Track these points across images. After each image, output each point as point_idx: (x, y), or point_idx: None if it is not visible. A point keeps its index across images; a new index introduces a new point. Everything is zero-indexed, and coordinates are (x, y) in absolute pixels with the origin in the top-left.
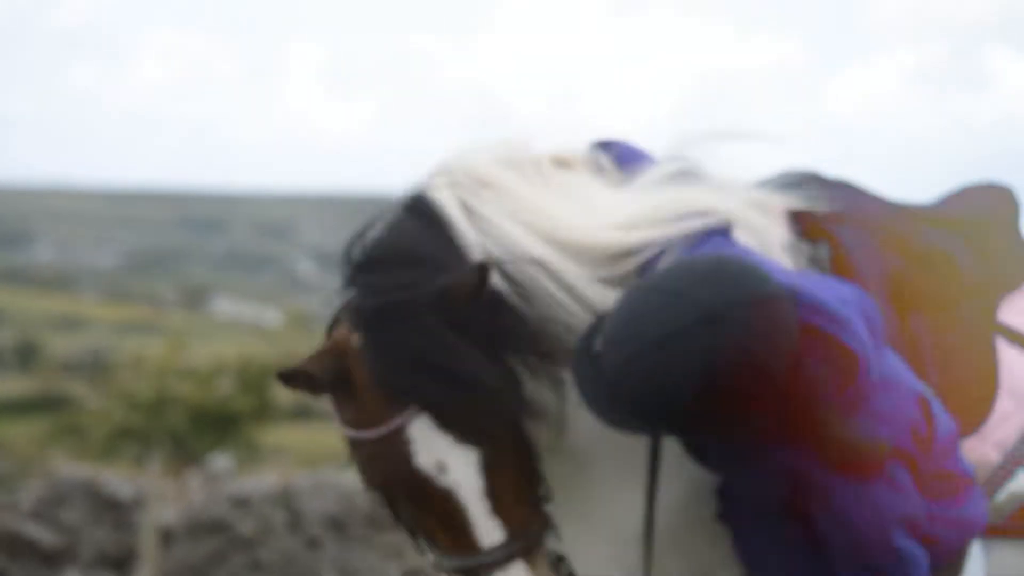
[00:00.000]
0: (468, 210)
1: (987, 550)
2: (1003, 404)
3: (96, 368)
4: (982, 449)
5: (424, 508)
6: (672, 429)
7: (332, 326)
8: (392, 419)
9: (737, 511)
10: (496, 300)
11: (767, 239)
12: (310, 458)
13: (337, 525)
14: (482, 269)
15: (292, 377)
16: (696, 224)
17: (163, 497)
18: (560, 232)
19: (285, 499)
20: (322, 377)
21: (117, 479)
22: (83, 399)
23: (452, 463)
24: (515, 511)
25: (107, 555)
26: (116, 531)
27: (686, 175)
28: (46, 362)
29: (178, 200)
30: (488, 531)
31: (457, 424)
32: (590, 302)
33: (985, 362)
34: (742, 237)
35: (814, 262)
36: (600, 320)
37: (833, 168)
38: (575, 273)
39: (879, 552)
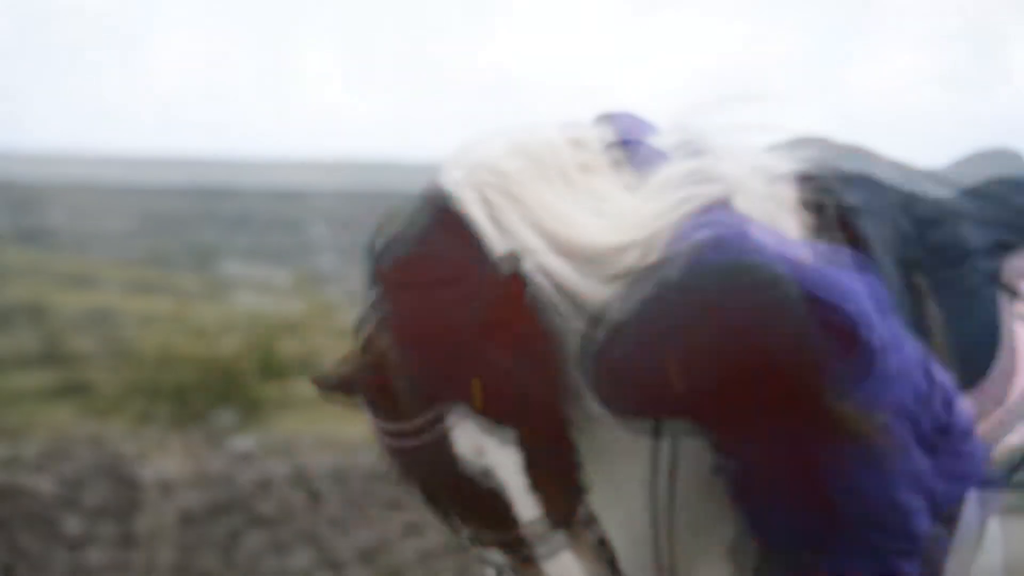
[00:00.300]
0: (494, 217)
1: (985, 502)
2: (1004, 361)
3: (104, 327)
4: (982, 404)
5: (463, 490)
6: (676, 417)
7: (362, 324)
8: (427, 411)
9: (741, 479)
10: (526, 295)
11: (771, 205)
12: (314, 413)
13: (339, 478)
14: (515, 260)
15: (326, 381)
16: (697, 196)
17: (166, 450)
18: (573, 242)
19: (287, 452)
20: (355, 378)
21: (120, 433)
22: (89, 356)
23: (490, 445)
24: (552, 483)
25: (108, 508)
26: (117, 484)
27: (689, 147)
28: (54, 320)
29: (191, 166)
30: (529, 506)
31: (494, 411)
32: (593, 307)
33: (987, 320)
34: (746, 205)
35: (821, 225)
36: (603, 313)
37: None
38: (581, 284)
39: (884, 510)
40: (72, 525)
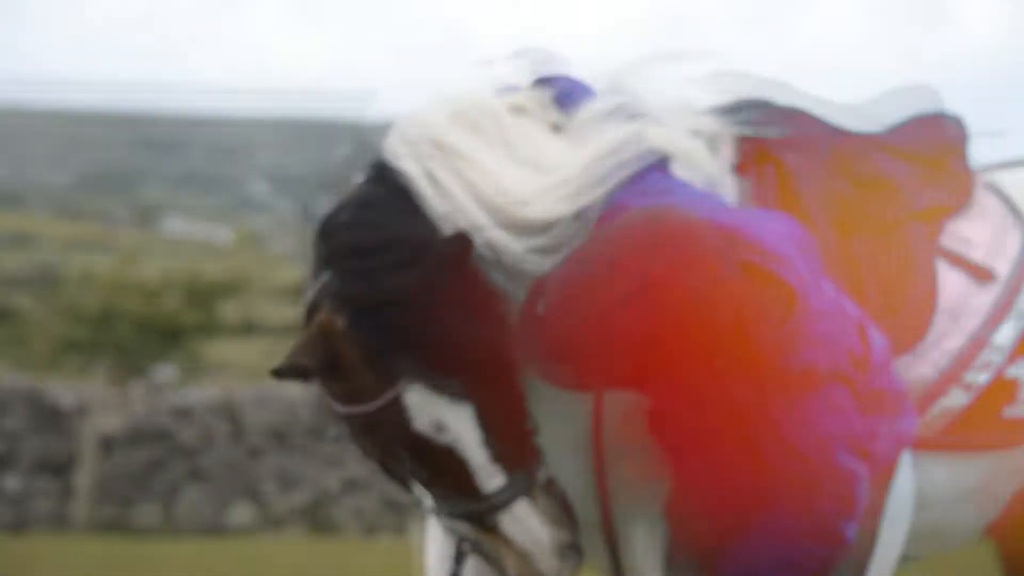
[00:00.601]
0: (434, 182)
1: (919, 463)
2: (941, 324)
3: (45, 283)
4: (918, 367)
5: (425, 464)
6: (620, 385)
7: (312, 310)
8: (386, 392)
9: (674, 440)
10: (474, 268)
11: (710, 168)
12: (254, 372)
13: (279, 435)
14: (463, 240)
15: (285, 371)
16: (634, 161)
17: (105, 406)
18: (509, 208)
19: (228, 410)
20: (313, 364)
21: (59, 387)
22: (29, 312)
23: (450, 421)
24: (512, 452)
25: (47, 462)
26: (57, 438)
27: (625, 110)
28: None
29: (133, 122)
30: (489, 476)
31: (450, 387)
32: (528, 274)
33: (924, 284)
34: (683, 168)
35: (759, 188)
36: (542, 283)
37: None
38: (514, 247)
39: (823, 473)
40: (11, 482)
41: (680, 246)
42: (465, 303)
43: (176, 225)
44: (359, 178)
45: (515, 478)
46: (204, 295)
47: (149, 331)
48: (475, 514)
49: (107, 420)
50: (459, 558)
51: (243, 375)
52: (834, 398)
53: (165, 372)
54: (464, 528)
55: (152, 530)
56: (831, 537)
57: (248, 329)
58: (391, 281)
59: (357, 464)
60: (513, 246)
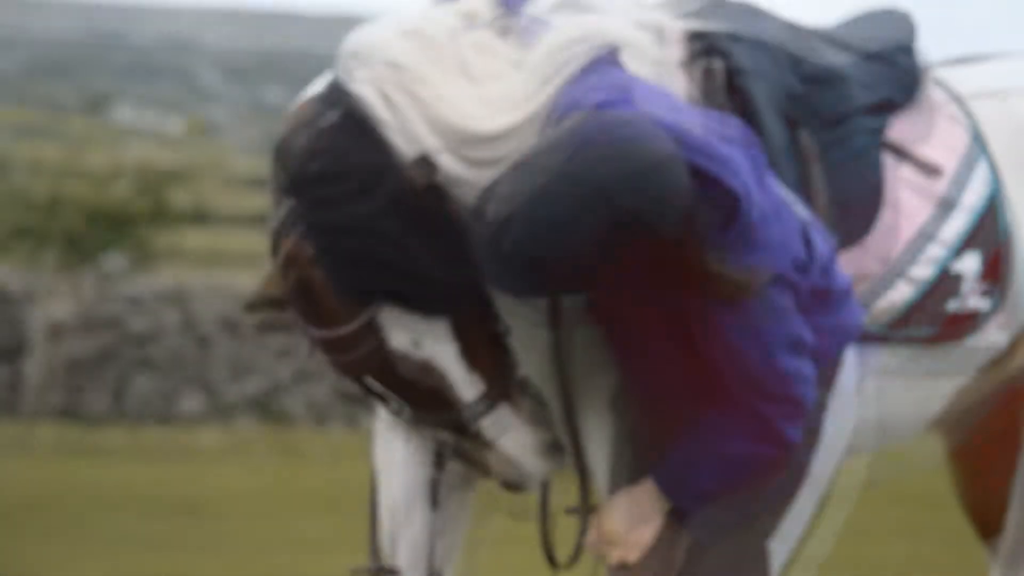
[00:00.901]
0: (391, 105)
1: (863, 357)
2: (887, 218)
3: None
4: (863, 260)
5: (403, 381)
6: (570, 291)
7: (278, 237)
8: (359, 315)
9: (621, 339)
10: (439, 190)
11: (658, 61)
12: (205, 261)
13: (229, 325)
14: (425, 164)
15: (258, 305)
16: (582, 54)
17: (55, 294)
18: (460, 125)
19: (178, 299)
20: (285, 293)
21: (8, 273)
22: None
23: (426, 337)
24: (487, 359)
25: None
26: (6, 326)
27: (572, 4)
28: None
29: (83, 10)
30: (469, 386)
31: (424, 305)
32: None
33: (871, 177)
34: (632, 61)
35: (707, 84)
36: (492, 188)
37: None
38: (480, 179)
39: (768, 378)
40: None
41: (630, 158)
42: (432, 226)
43: (126, 114)
44: (314, 99)
45: (493, 383)
46: (154, 184)
47: (99, 219)
48: (458, 424)
49: (57, 308)
50: (439, 463)
51: (194, 264)
52: (776, 301)
53: (115, 260)
54: (445, 435)
55: (102, 418)
56: (775, 437)
57: (199, 218)
58: (354, 209)
59: (308, 356)
60: (466, 172)
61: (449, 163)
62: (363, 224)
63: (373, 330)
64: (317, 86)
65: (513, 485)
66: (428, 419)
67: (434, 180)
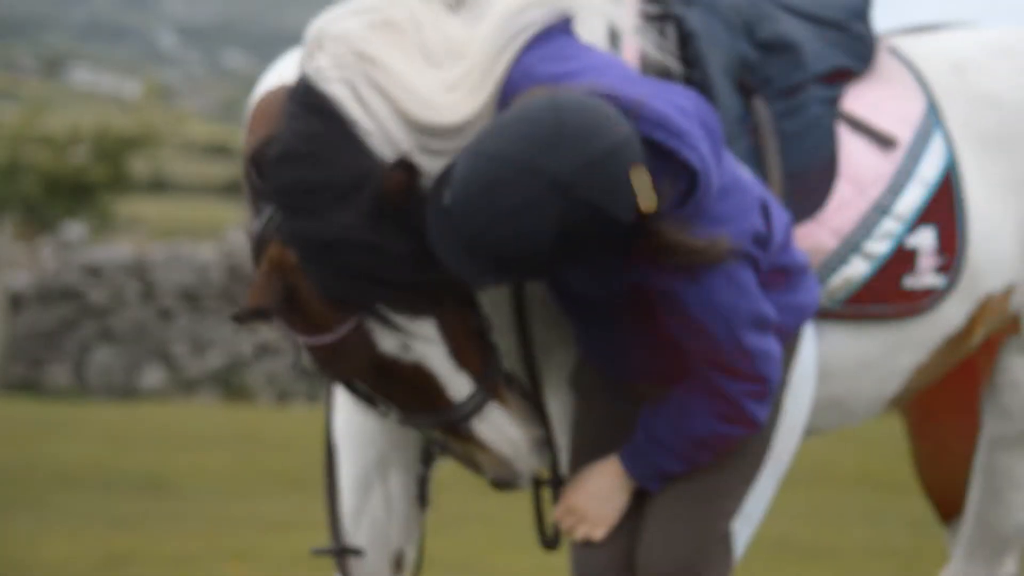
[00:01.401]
0: (363, 104)
1: (821, 334)
2: (842, 191)
3: None
4: (819, 234)
5: (394, 383)
6: (527, 278)
7: (260, 246)
8: (347, 320)
9: (583, 316)
10: (418, 194)
11: (613, 24)
12: (165, 230)
13: (190, 297)
14: (405, 166)
15: (246, 316)
16: (535, 22)
17: (13, 263)
18: (423, 117)
19: (139, 269)
20: (272, 303)
21: None
22: None
23: (414, 339)
24: (474, 358)
25: None
26: None
27: None
28: None
29: None
30: (459, 386)
31: (410, 308)
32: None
33: (826, 148)
34: (587, 24)
35: (660, 48)
36: (447, 172)
37: None
38: (429, 161)
39: (732, 354)
40: None
41: (584, 150)
42: (411, 227)
43: (83, 76)
44: (286, 99)
45: (482, 382)
46: (113, 149)
47: (57, 186)
48: (448, 424)
49: (15, 277)
50: (427, 460)
51: (154, 233)
52: (737, 275)
53: (75, 229)
54: (435, 434)
55: (62, 392)
56: (742, 418)
57: (158, 186)
58: (335, 217)
59: (270, 329)
60: (429, 164)
61: (421, 160)
62: (343, 232)
63: (362, 334)
64: (282, 67)
65: (503, 483)
66: (420, 422)
67: (415, 182)
